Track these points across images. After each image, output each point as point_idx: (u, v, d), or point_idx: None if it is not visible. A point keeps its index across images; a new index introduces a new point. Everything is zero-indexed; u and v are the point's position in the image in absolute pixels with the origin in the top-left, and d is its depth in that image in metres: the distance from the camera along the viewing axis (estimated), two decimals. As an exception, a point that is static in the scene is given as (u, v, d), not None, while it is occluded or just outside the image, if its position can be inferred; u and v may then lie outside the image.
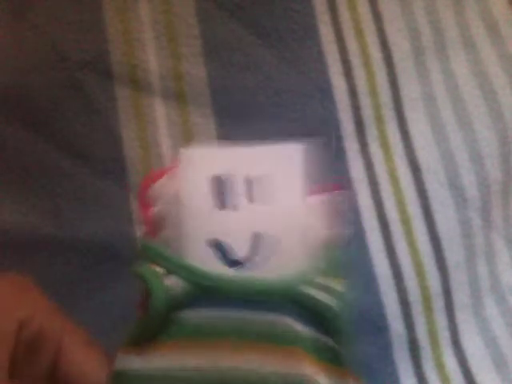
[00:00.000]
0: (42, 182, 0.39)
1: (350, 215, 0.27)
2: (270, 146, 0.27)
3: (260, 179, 0.26)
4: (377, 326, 0.40)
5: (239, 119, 0.40)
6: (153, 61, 0.40)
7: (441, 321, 0.42)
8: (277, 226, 0.26)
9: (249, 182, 0.26)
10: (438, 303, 0.42)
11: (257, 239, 0.26)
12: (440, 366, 0.41)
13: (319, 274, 0.26)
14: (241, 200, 0.26)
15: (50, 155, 0.39)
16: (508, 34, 0.46)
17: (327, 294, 0.25)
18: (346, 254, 0.27)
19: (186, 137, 0.40)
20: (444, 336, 0.42)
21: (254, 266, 0.25)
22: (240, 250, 0.26)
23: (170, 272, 0.26)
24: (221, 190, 0.26)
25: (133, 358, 0.26)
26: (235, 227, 0.26)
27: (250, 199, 0.26)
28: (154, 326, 0.26)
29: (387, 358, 0.41)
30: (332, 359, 0.26)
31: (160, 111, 0.40)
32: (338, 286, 0.26)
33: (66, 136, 0.40)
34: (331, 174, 0.27)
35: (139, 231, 0.39)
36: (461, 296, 0.42)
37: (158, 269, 0.26)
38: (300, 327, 0.25)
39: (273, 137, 0.41)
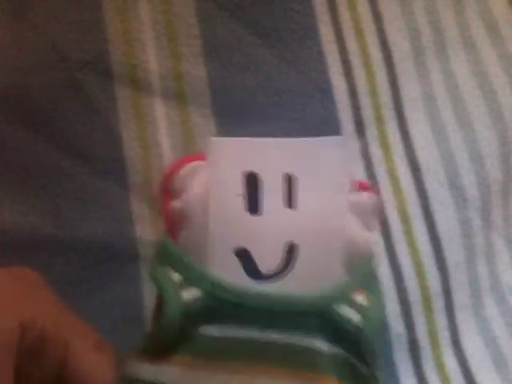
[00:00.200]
0: (42, 181, 0.39)
1: (380, 221, 0.25)
2: (311, 139, 0.24)
3: (300, 179, 0.23)
4: (380, 329, 0.40)
5: (239, 119, 0.40)
6: (153, 61, 0.40)
7: (441, 321, 0.42)
8: (315, 236, 0.23)
9: (287, 181, 0.23)
10: (438, 303, 0.42)
11: (290, 250, 0.23)
12: (440, 366, 0.41)
13: (353, 289, 0.23)
14: (276, 203, 0.23)
15: (50, 155, 0.39)
16: (508, 34, 0.46)
17: (357, 311, 0.23)
18: (373, 263, 0.25)
19: (186, 137, 0.40)
20: (444, 336, 0.42)
21: (284, 281, 0.23)
22: (270, 262, 0.23)
23: (189, 282, 0.23)
24: (254, 189, 0.23)
25: (145, 367, 0.24)
26: (267, 235, 0.23)
27: (287, 202, 0.23)
28: (167, 338, 0.24)
29: (387, 358, 0.41)
30: (356, 382, 0.24)
31: (160, 111, 0.40)
32: (365, 301, 0.23)
33: (66, 136, 0.39)
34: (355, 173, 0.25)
35: (139, 231, 0.39)
36: (461, 296, 0.42)
37: (177, 277, 0.23)
38: (328, 349, 0.23)
39: (272, 137, 0.41)
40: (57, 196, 0.39)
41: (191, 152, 0.40)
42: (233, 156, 0.23)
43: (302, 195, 0.23)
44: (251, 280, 0.23)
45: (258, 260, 0.23)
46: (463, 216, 0.42)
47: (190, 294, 0.23)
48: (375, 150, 0.42)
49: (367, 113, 0.42)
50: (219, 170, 0.23)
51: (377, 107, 0.42)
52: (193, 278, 0.23)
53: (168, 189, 0.24)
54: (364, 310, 0.23)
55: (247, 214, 0.23)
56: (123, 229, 0.39)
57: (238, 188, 0.23)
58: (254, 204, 0.23)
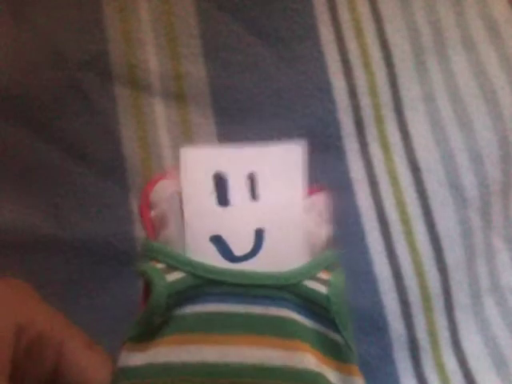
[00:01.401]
0: (42, 182, 0.39)
1: (335, 216, 0.28)
2: (271, 145, 0.27)
3: (262, 177, 0.26)
4: (377, 326, 0.40)
5: (239, 119, 0.40)
6: (153, 61, 0.40)
7: (441, 321, 0.42)
8: (278, 223, 0.26)
9: (251, 180, 0.26)
10: (438, 303, 0.42)
11: (259, 235, 0.26)
12: (440, 366, 0.41)
13: (318, 269, 0.26)
14: (243, 197, 0.26)
15: (50, 155, 0.39)
16: (508, 33, 0.46)
17: (324, 285, 0.26)
18: (336, 253, 0.28)
19: (186, 137, 0.40)
20: (444, 336, 0.42)
21: (256, 262, 0.25)
22: (242, 246, 0.26)
23: (172, 268, 0.25)
24: (223, 187, 0.26)
25: (136, 355, 0.25)
26: (238, 224, 0.26)
27: (252, 196, 0.26)
28: (156, 320, 0.25)
29: (387, 358, 0.41)
30: (336, 354, 0.26)
31: (160, 111, 0.40)
32: (328, 277, 0.26)
33: (66, 136, 0.40)
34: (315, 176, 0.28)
35: (139, 231, 0.39)
36: (461, 296, 0.42)
37: (160, 265, 0.26)
38: (303, 320, 0.25)
39: (272, 136, 0.41)
40: (57, 196, 0.39)
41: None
42: (202, 161, 0.27)
43: (264, 190, 0.26)
44: (227, 262, 0.25)
45: (231, 245, 0.26)
46: (463, 216, 0.42)
47: (173, 277, 0.25)
48: (375, 150, 0.42)
49: (367, 113, 0.42)
50: (190, 173, 0.26)
51: (377, 107, 0.42)
52: (175, 263, 0.25)
53: (146, 203, 0.28)
54: (328, 282, 0.26)
55: (218, 207, 0.26)
56: (123, 229, 0.39)
57: (209, 186, 0.26)
58: (223, 198, 0.26)
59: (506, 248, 0.45)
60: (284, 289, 0.25)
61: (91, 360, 0.28)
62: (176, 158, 0.39)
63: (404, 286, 0.41)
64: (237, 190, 0.26)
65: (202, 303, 0.25)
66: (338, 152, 0.41)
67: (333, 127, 0.41)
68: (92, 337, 0.30)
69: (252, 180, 0.26)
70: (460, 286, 0.42)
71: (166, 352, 0.25)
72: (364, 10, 0.43)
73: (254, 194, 0.26)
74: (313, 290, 0.25)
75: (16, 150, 0.40)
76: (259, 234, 0.26)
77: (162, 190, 0.27)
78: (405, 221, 0.41)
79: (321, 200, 0.28)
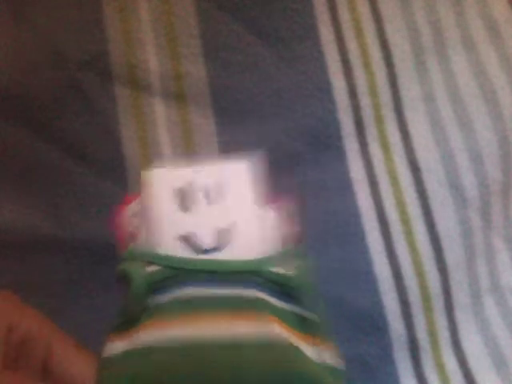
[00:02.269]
0: (42, 182, 0.39)
1: (301, 221, 0.30)
2: (222, 163, 0.30)
3: (215, 188, 0.29)
4: (377, 325, 0.40)
5: (239, 119, 0.40)
6: (153, 61, 0.40)
7: (441, 321, 0.42)
8: (234, 220, 0.28)
9: (207, 190, 0.29)
10: (438, 303, 0.42)
11: (220, 232, 0.28)
12: (440, 366, 0.42)
13: (283, 256, 0.28)
14: (201, 203, 0.29)
15: (50, 155, 0.39)
16: (508, 33, 0.46)
17: (287, 269, 0.27)
18: (302, 247, 0.29)
19: (186, 137, 0.40)
20: (444, 336, 0.42)
21: (222, 252, 0.28)
22: (207, 242, 0.28)
23: (149, 263, 0.27)
24: (183, 197, 0.29)
25: (116, 344, 0.26)
26: (200, 224, 0.28)
27: (209, 202, 0.29)
28: (136, 309, 0.26)
29: (387, 358, 0.41)
30: (305, 328, 0.27)
31: (160, 111, 0.40)
32: (294, 263, 0.28)
33: (66, 136, 0.40)
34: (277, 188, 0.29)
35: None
36: (461, 296, 0.42)
37: (138, 262, 0.28)
38: (272, 300, 0.27)
39: (272, 136, 0.41)
40: (57, 196, 0.39)
41: (191, 151, 0.40)
42: (162, 180, 0.29)
43: (219, 197, 0.29)
44: (196, 254, 0.28)
45: (197, 241, 0.28)
46: (463, 216, 0.42)
47: (151, 269, 0.27)
48: (375, 150, 0.42)
49: (367, 113, 0.42)
50: (153, 190, 0.29)
51: (377, 107, 0.42)
52: (151, 259, 0.27)
53: (119, 226, 0.30)
54: (293, 267, 0.28)
55: (182, 213, 0.28)
56: (123, 229, 0.39)
57: (171, 198, 0.29)
58: (185, 206, 0.29)
59: (506, 248, 0.45)
60: (253, 274, 0.27)
61: (80, 360, 0.30)
62: (176, 158, 0.39)
63: (404, 286, 0.41)
64: (195, 198, 0.29)
65: (178, 290, 0.27)
66: (338, 152, 0.41)
67: (333, 127, 0.41)
68: (92, 337, 0.30)
69: (208, 190, 0.29)
70: (460, 286, 0.42)
71: (145, 336, 0.26)
72: (364, 10, 0.43)
73: (210, 201, 0.29)
74: (279, 273, 0.27)
75: (16, 150, 0.40)
76: (220, 231, 0.28)
77: (130, 210, 0.30)
78: (405, 221, 0.41)
79: (273, 212, 0.30)
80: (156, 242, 0.28)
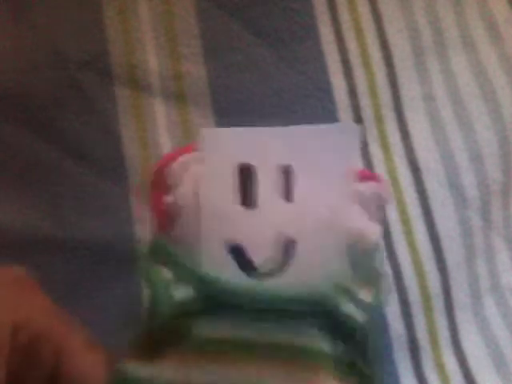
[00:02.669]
0: (42, 181, 0.39)
1: (384, 212, 0.24)
2: (310, 126, 0.23)
3: (298, 169, 0.22)
4: (380, 327, 0.40)
5: (239, 119, 0.40)
6: (153, 61, 0.40)
7: (441, 321, 0.42)
8: (312, 231, 0.22)
9: (284, 173, 0.22)
10: (438, 303, 0.42)
11: (287, 245, 0.22)
12: (440, 366, 0.41)
13: (355, 284, 0.22)
14: (271, 196, 0.22)
15: (50, 155, 0.39)
16: (508, 33, 0.46)
17: (356, 306, 0.22)
18: (377, 258, 0.24)
19: (186, 137, 0.40)
20: (444, 336, 0.42)
21: (281, 277, 0.21)
22: (266, 258, 0.22)
23: (180, 280, 0.22)
24: (249, 181, 0.22)
25: (139, 366, 0.24)
26: (262, 230, 0.22)
27: (284, 195, 0.22)
28: (159, 335, 0.23)
29: (387, 358, 0.41)
30: (359, 382, 0.23)
31: (160, 111, 0.40)
32: (368, 297, 0.22)
33: (66, 136, 0.39)
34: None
35: (139, 231, 0.39)
36: (461, 296, 0.42)
37: (167, 273, 0.23)
38: (326, 346, 0.22)
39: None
40: (57, 196, 0.39)
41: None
42: (225, 147, 0.22)
43: (301, 187, 0.22)
44: (246, 277, 0.22)
45: (253, 255, 0.22)
46: (463, 216, 0.42)
47: (181, 293, 0.22)
48: (375, 150, 0.42)
49: (367, 113, 0.42)
50: (211, 162, 0.22)
51: (377, 107, 0.42)
52: (184, 275, 0.22)
53: (159, 184, 0.24)
54: (366, 307, 0.22)
55: (241, 208, 0.22)
56: (123, 229, 0.39)
57: (230, 180, 0.22)
58: (247, 197, 0.22)
59: (506, 248, 0.45)
60: (317, 312, 0.22)
61: (90, 360, 0.28)
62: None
63: (404, 286, 0.41)
64: (266, 186, 0.22)
65: (213, 325, 0.22)
66: None
67: None
68: (93, 337, 0.30)
69: (287, 174, 0.22)
70: (460, 286, 0.42)
71: (171, 369, 0.23)
72: (364, 10, 0.43)
73: (287, 193, 0.22)
74: (349, 317, 0.22)
75: (16, 150, 0.40)
76: (288, 245, 0.22)
77: (179, 172, 0.23)
78: (405, 221, 0.41)
79: (373, 190, 0.23)
80: (197, 245, 0.22)
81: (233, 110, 0.40)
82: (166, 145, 0.40)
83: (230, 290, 0.21)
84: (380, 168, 0.42)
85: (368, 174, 0.24)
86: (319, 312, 0.21)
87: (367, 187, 0.23)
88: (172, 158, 0.23)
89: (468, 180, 0.43)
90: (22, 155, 0.40)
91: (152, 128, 0.40)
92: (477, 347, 0.43)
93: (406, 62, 0.43)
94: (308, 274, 0.21)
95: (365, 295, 0.22)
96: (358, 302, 0.22)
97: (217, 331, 0.22)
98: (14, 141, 0.40)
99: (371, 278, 0.23)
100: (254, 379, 0.21)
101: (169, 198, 0.23)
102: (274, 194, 0.22)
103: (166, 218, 0.23)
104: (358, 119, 0.42)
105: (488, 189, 0.43)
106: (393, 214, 0.41)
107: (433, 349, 0.41)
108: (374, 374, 0.23)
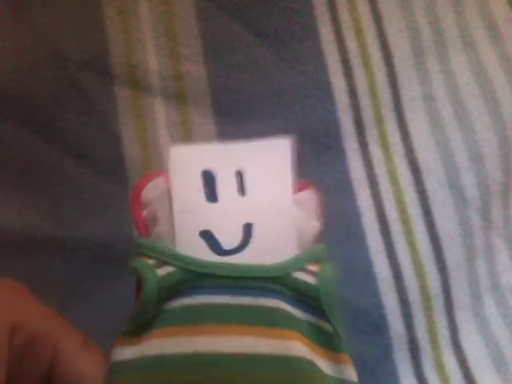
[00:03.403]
0: (42, 181, 0.39)
1: (321, 213, 0.29)
2: (259, 141, 0.28)
3: (250, 173, 0.27)
4: (377, 325, 0.40)
5: (239, 119, 0.40)
6: (153, 61, 0.40)
7: (441, 321, 0.42)
8: (267, 217, 0.26)
9: (239, 176, 0.27)
10: (438, 303, 0.42)
11: (248, 230, 0.26)
12: (440, 366, 0.42)
13: (307, 261, 0.26)
14: (231, 193, 0.27)
15: (50, 155, 0.39)
16: (508, 33, 0.46)
17: (313, 277, 0.26)
18: (325, 247, 0.28)
19: (186, 137, 0.40)
20: (444, 336, 0.42)
21: (245, 255, 0.26)
22: (232, 241, 0.26)
23: (162, 263, 0.26)
24: (212, 183, 0.27)
25: (128, 349, 0.26)
26: (226, 219, 0.26)
27: (241, 192, 0.27)
28: (148, 314, 0.26)
29: (387, 357, 0.41)
30: (326, 344, 0.26)
31: (160, 111, 0.40)
32: (318, 268, 0.27)
33: (66, 136, 0.40)
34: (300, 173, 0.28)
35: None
36: (460, 296, 0.42)
37: (151, 261, 0.26)
38: (293, 311, 0.26)
39: (272, 136, 0.41)
40: (57, 196, 0.39)
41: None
42: (191, 159, 0.27)
43: (253, 186, 0.27)
44: (216, 255, 0.26)
45: (220, 239, 0.26)
46: (463, 216, 0.42)
47: (164, 271, 0.26)
48: (375, 150, 0.42)
49: (367, 113, 0.42)
50: (179, 171, 0.27)
51: (377, 107, 0.42)
52: (166, 258, 0.26)
53: (137, 203, 0.28)
54: (317, 274, 0.26)
55: (207, 203, 0.26)
56: (123, 229, 0.39)
57: (197, 183, 0.26)
58: (212, 195, 0.26)
59: (506, 248, 0.45)
60: (274, 280, 0.25)
61: (87, 358, 0.28)
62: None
63: (404, 286, 0.41)
64: (225, 186, 0.27)
65: (192, 296, 0.25)
66: (338, 152, 0.41)
67: (333, 127, 0.41)
68: (92, 336, 0.30)
69: (240, 176, 0.27)
70: (460, 286, 0.42)
71: (158, 344, 0.25)
72: (364, 10, 0.43)
73: (242, 190, 0.27)
74: (302, 281, 0.26)
75: (16, 150, 0.40)
76: (248, 229, 0.26)
77: (152, 189, 0.28)
78: (405, 220, 0.41)
79: (308, 197, 0.28)
80: (175, 236, 0.26)
81: (233, 110, 0.40)
82: (165, 145, 0.40)
83: (203, 263, 0.25)
84: (380, 168, 0.42)
85: (302, 185, 0.29)
86: (277, 279, 0.25)
87: (303, 195, 0.28)
88: (147, 179, 0.28)
89: (468, 180, 0.43)
90: (22, 155, 0.40)
91: (152, 128, 0.40)
92: (477, 347, 0.43)
93: (406, 62, 0.43)
94: (265, 252, 0.26)
95: (314, 268, 0.26)
96: (309, 272, 0.26)
97: (195, 300, 0.25)
98: (14, 141, 0.40)
99: (320, 258, 0.27)
100: (235, 342, 0.24)
101: (145, 212, 0.28)
102: (233, 191, 0.27)
103: (145, 226, 0.28)
104: (358, 119, 0.42)
105: (488, 189, 0.43)
106: (393, 214, 0.41)
107: (433, 349, 0.41)
108: (335, 332, 0.26)
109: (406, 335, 0.41)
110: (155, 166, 0.39)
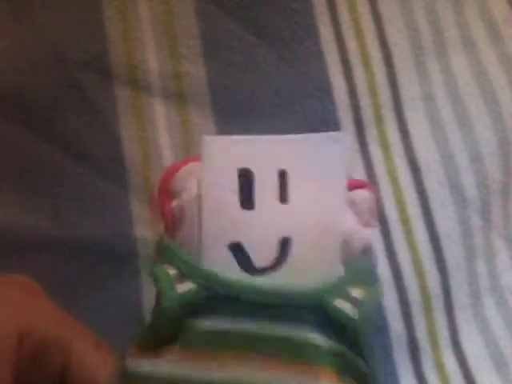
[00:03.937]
0: (42, 181, 0.39)
1: (376, 215, 0.25)
2: (307, 135, 0.24)
3: (295, 174, 0.23)
4: (377, 326, 0.40)
5: (239, 119, 0.40)
6: (153, 61, 0.40)
7: (440, 321, 0.42)
8: (309, 231, 0.23)
9: (282, 177, 0.23)
10: (438, 303, 0.42)
11: (285, 246, 0.23)
12: (440, 366, 0.41)
13: (349, 283, 0.23)
14: (269, 198, 0.23)
15: (50, 155, 0.39)
16: (508, 33, 0.46)
17: (352, 304, 0.23)
18: (371, 261, 0.25)
19: (186, 137, 0.40)
20: (444, 336, 0.42)
21: (277, 274, 0.23)
22: (264, 256, 0.23)
23: (184, 276, 0.23)
24: (249, 185, 0.23)
25: (141, 361, 0.24)
26: (260, 229, 0.23)
27: (282, 198, 0.23)
28: (164, 330, 0.24)
29: (387, 357, 0.41)
30: (355, 377, 0.24)
31: (160, 111, 0.40)
32: (361, 295, 0.23)
33: (66, 136, 0.40)
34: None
35: (139, 231, 0.39)
36: (460, 296, 0.42)
37: (173, 271, 0.24)
38: (323, 341, 0.23)
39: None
40: (57, 196, 0.39)
41: (191, 152, 0.40)
42: (226, 153, 0.23)
43: (297, 190, 0.23)
44: (245, 273, 0.23)
45: (251, 254, 0.23)
46: (463, 216, 0.42)
47: (185, 287, 0.23)
48: (375, 150, 0.42)
49: (367, 113, 0.42)
50: (212, 167, 0.23)
51: (376, 107, 0.42)
52: (188, 271, 0.23)
53: (166, 190, 0.25)
54: (359, 303, 0.23)
55: (241, 209, 0.23)
56: (123, 229, 0.39)
57: (232, 184, 0.23)
58: (247, 199, 0.23)
59: (506, 248, 0.45)
60: (309, 310, 0.22)
61: (99, 361, 0.28)
62: (176, 158, 0.39)
63: (404, 286, 0.41)
64: (264, 189, 0.23)
65: (213, 319, 0.23)
66: None
67: (333, 127, 0.41)
68: (98, 336, 0.29)
69: (283, 178, 0.23)
70: (460, 286, 0.42)
71: (172, 363, 0.23)
72: (364, 10, 0.43)
73: (283, 196, 0.23)
74: (341, 313, 0.23)
75: (16, 150, 0.40)
76: (285, 244, 0.23)
77: (184, 179, 0.25)
78: (405, 220, 0.41)
79: (363, 197, 0.25)
80: (201, 245, 0.23)
81: (233, 110, 0.40)
82: (165, 145, 0.40)
83: (229, 284, 0.22)
84: (380, 168, 0.42)
85: (357, 183, 0.25)
86: (313, 307, 0.22)
87: (358, 195, 0.24)
88: (178, 166, 0.25)
89: (468, 180, 0.43)
90: (22, 155, 0.40)
91: (152, 128, 0.40)
92: (477, 347, 0.43)
93: (406, 61, 0.43)
94: (303, 271, 0.22)
95: (357, 293, 0.23)
96: (350, 299, 0.23)
97: (217, 324, 0.23)
98: (14, 141, 0.40)
99: (364, 278, 0.23)
100: (255, 373, 0.22)
101: (175, 203, 0.25)
102: (272, 197, 0.23)
103: (173, 221, 0.24)
104: (358, 119, 0.42)
105: (488, 189, 0.43)
106: (393, 214, 0.41)
107: (433, 349, 0.41)
108: (369, 370, 0.23)
109: (406, 335, 0.41)
110: (155, 166, 0.39)
